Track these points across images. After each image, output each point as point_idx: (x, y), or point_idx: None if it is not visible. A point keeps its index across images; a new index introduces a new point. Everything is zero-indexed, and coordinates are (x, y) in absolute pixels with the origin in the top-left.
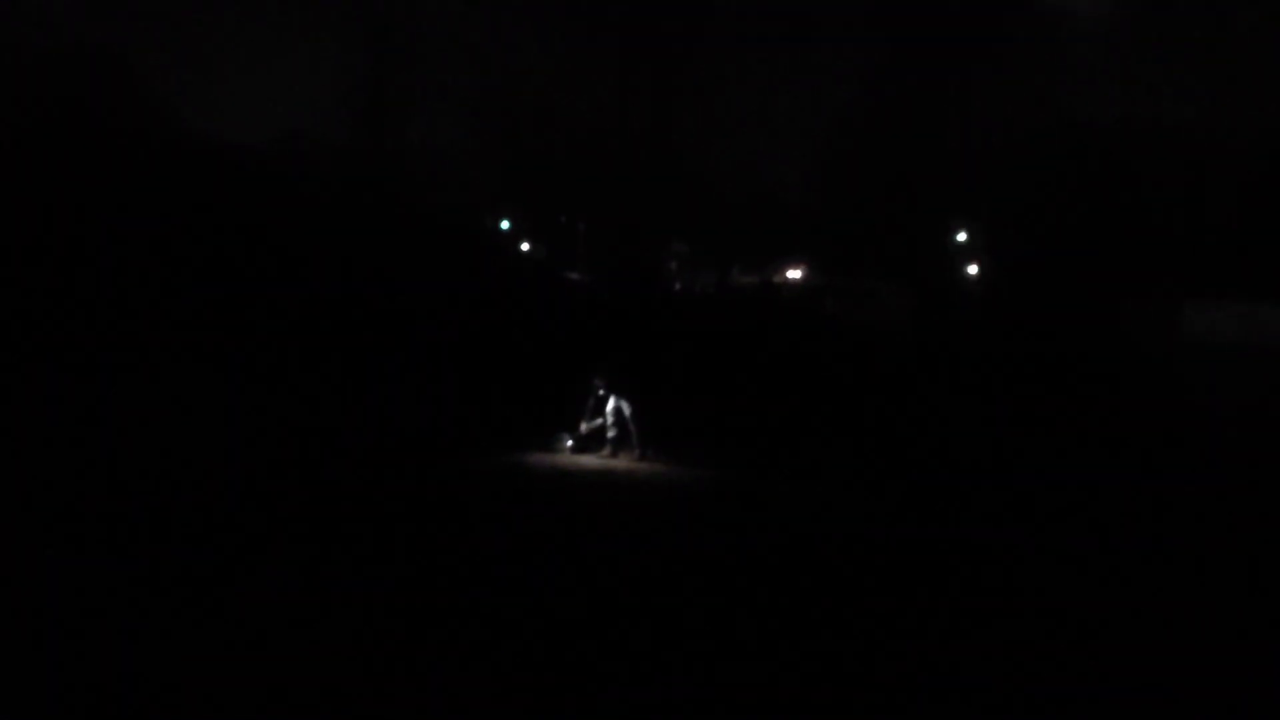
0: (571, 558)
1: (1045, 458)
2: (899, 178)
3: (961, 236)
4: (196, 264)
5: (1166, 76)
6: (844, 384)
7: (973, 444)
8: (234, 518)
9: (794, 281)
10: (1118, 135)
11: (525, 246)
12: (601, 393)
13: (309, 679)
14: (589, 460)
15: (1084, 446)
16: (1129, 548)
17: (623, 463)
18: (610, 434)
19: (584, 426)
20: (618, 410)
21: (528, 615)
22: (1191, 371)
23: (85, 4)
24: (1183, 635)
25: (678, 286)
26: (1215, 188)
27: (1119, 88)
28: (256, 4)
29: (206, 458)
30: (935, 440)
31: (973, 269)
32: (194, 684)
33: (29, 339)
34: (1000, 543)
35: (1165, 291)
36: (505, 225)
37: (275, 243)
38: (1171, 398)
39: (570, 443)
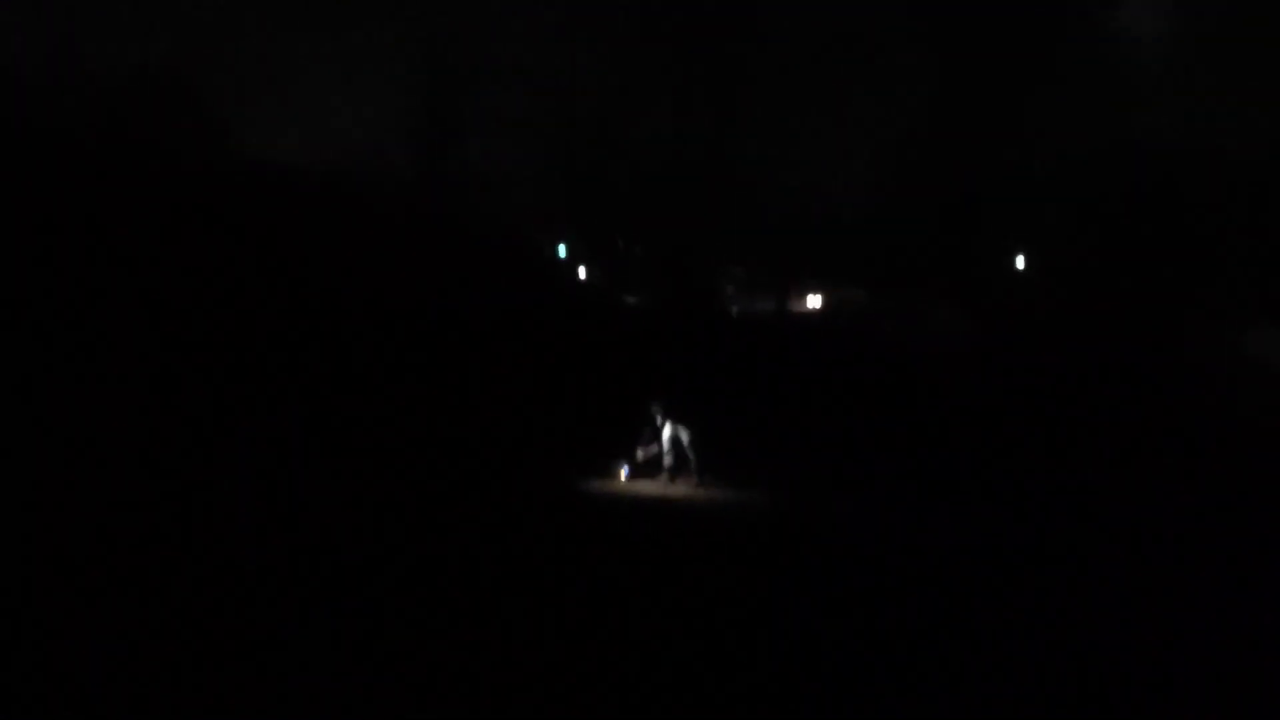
0: (619, 588)
1: (1111, 484)
2: (957, 200)
3: (1020, 260)
4: (257, 287)
5: (1228, 100)
6: (903, 407)
7: (1037, 470)
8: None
9: (851, 304)
10: (1178, 158)
11: (582, 271)
12: (659, 419)
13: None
14: (647, 486)
15: (1147, 472)
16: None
17: (680, 490)
18: (667, 461)
19: (641, 453)
20: (674, 437)
21: (574, 646)
22: (1258, 395)
23: (150, 27)
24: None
25: (735, 310)
26: (1275, 210)
27: (1180, 111)
28: (315, 30)
29: (268, 480)
30: (994, 464)
31: (1032, 292)
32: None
33: (90, 359)
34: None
35: (1229, 315)
36: (562, 251)
37: (333, 266)
38: (1238, 422)
39: (627, 469)
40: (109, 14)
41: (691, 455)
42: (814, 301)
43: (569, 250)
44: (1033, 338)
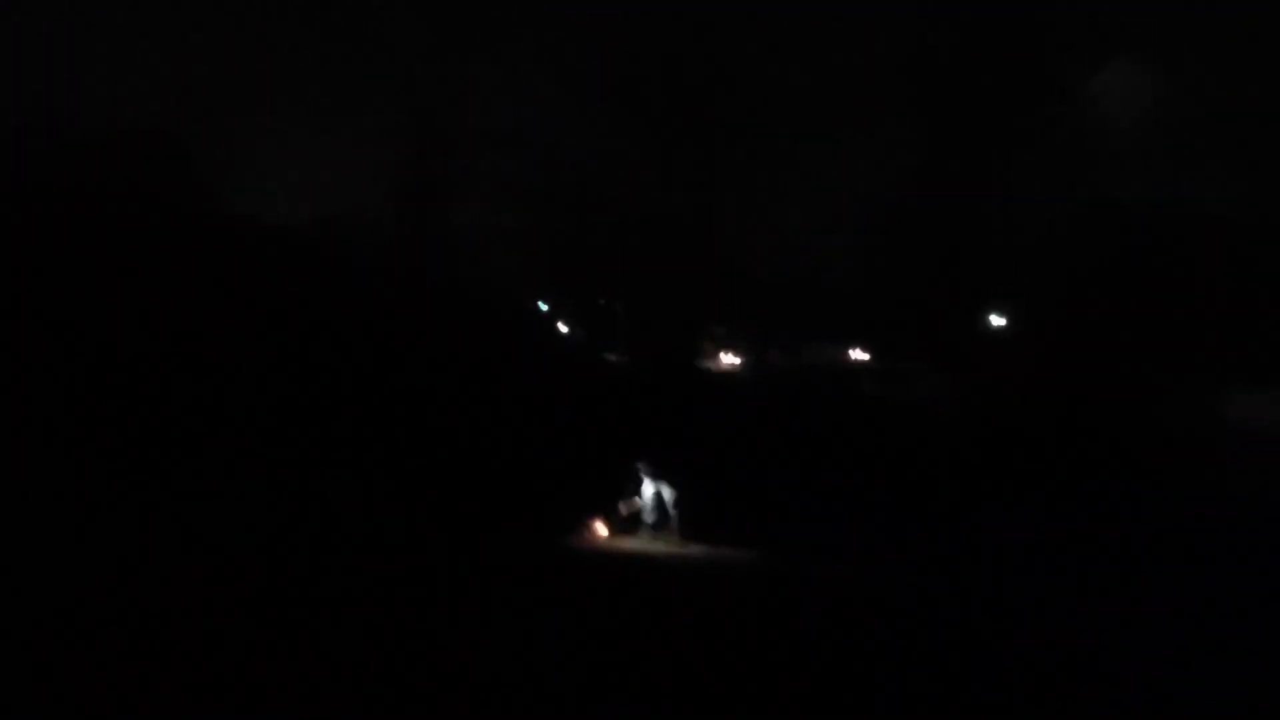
0: (601, 647)
1: (1093, 545)
2: (939, 259)
3: (1001, 320)
4: (243, 343)
5: (1208, 163)
6: (885, 465)
7: (1014, 530)
8: (279, 607)
9: (833, 362)
10: (1159, 220)
11: (564, 328)
12: (641, 475)
13: None
14: (629, 543)
15: (1129, 535)
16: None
17: (662, 546)
18: (649, 517)
19: (624, 509)
20: (657, 494)
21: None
22: (1239, 459)
23: (141, 86)
24: None
25: (716, 366)
26: (1258, 273)
27: (1161, 173)
28: (301, 88)
29: (241, 535)
30: (974, 522)
31: (1013, 351)
32: None
33: (74, 411)
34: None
35: (1210, 377)
36: (544, 307)
37: (316, 321)
38: (1220, 487)
39: (611, 526)
40: (102, 72)
41: (674, 512)
42: (833, 354)
43: (551, 307)
44: (1013, 397)
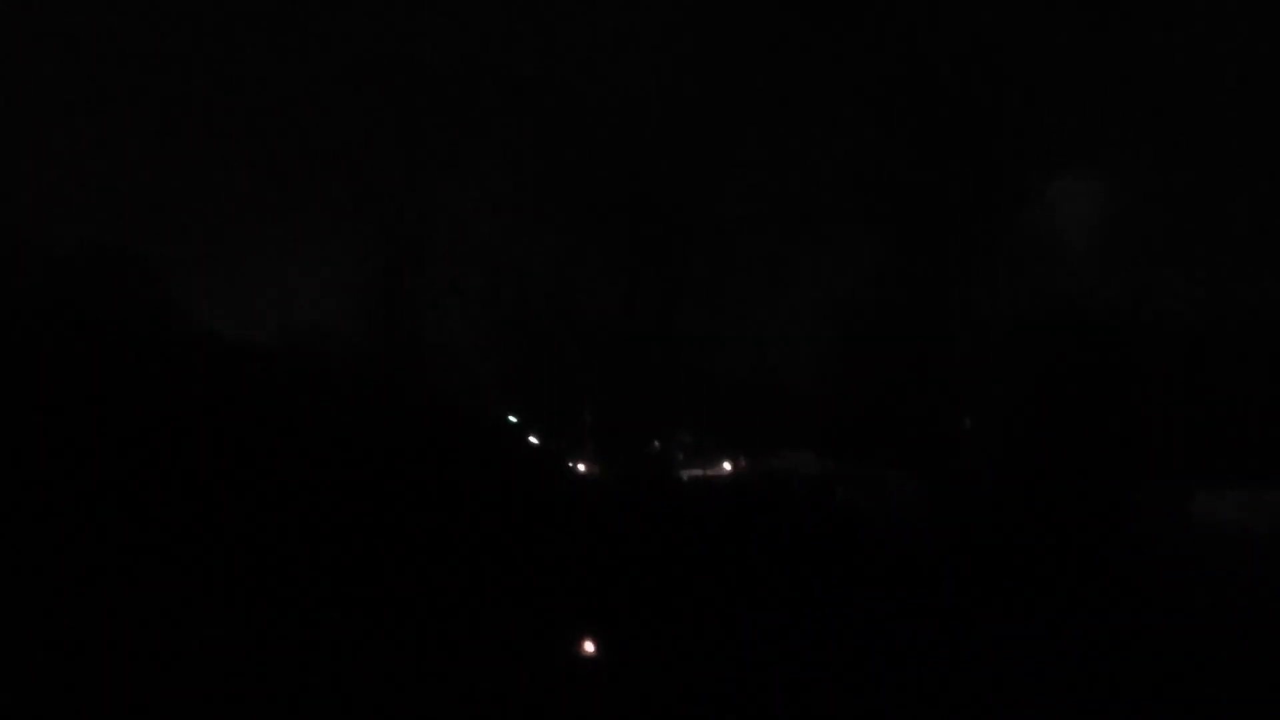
0: None
1: (1064, 657)
2: (904, 365)
3: (967, 424)
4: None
5: (1167, 266)
6: (855, 575)
7: (985, 640)
8: None
9: (803, 469)
10: (1120, 323)
11: (533, 439)
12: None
13: None
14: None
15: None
16: None
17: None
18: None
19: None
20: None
21: None
22: (1207, 559)
23: (102, 204)
24: None
25: (684, 476)
26: (1216, 375)
27: (1121, 275)
28: (268, 202)
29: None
30: (943, 636)
31: (981, 455)
32: None
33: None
34: None
35: (1174, 477)
36: (513, 418)
37: (286, 435)
38: (1192, 589)
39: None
40: (64, 192)
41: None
42: (802, 461)
43: (520, 417)
44: (983, 502)
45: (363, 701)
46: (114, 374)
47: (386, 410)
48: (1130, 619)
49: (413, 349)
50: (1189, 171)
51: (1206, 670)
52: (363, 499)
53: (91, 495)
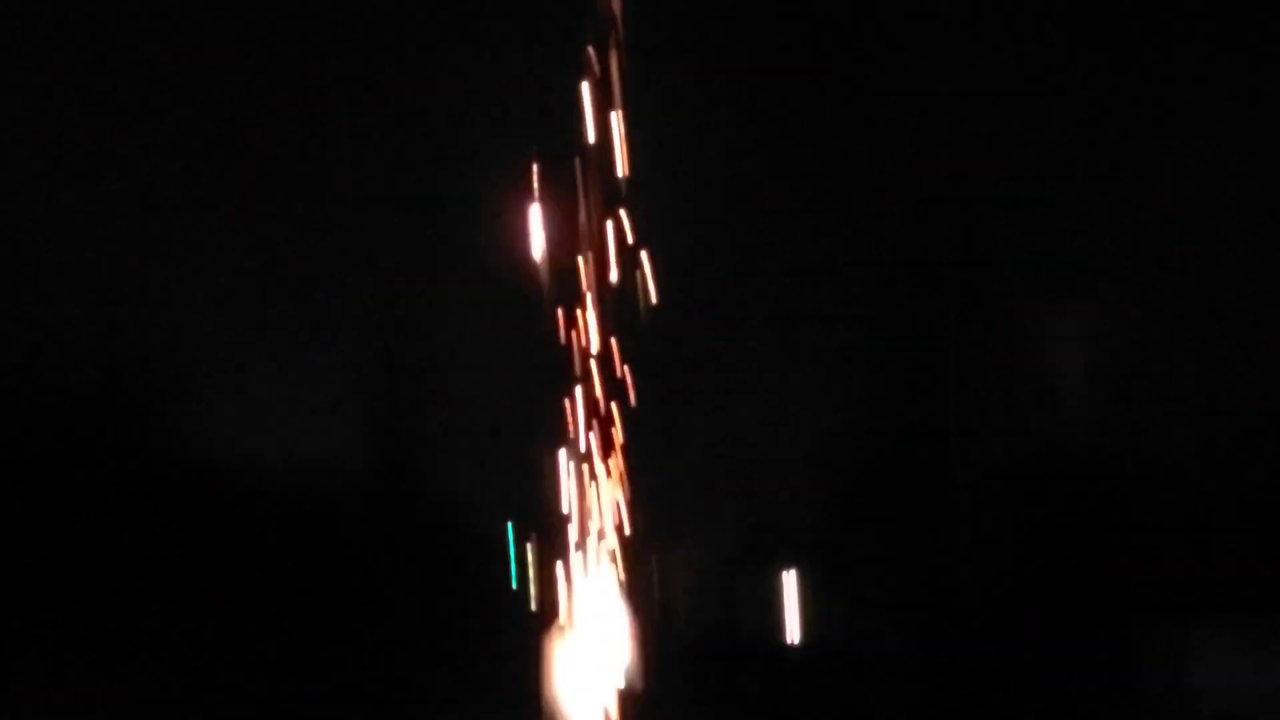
0: None
1: None
2: (888, 510)
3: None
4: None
5: (1155, 405)
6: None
7: None
8: None
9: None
10: (1107, 463)
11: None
12: None
13: None
14: None
15: None
16: None
17: None
18: None
19: None
20: None
21: None
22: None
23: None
24: None
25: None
26: (1207, 515)
27: (1108, 415)
28: (268, 334)
29: None
30: None
31: (968, 596)
32: None
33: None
34: None
35: (1174, 618)
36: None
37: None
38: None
39: None
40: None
41: None
42: None
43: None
44: (972, 647)
45: None
46: (121, 504)
47: (388, 527)
48: None
49: (412, 465)
50: (1179, 309)
51: None
52: (364, 620)
53: (90, 620)
